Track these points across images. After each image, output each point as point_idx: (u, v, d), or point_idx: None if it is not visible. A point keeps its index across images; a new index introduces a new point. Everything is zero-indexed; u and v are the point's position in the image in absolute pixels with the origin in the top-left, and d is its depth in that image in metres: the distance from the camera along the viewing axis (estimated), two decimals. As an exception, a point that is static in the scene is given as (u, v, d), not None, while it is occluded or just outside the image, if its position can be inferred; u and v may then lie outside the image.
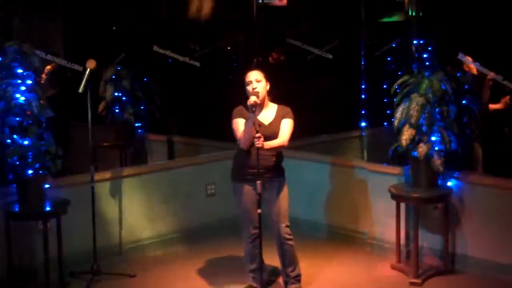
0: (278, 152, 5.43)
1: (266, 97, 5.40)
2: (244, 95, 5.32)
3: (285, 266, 5.54)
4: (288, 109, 5.44)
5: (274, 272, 5.87)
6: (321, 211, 6.97)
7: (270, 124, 5.37)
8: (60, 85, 6.90)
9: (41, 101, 5.85)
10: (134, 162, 7.51)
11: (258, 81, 5.33)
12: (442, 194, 5.93)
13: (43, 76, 6.94)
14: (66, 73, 6.37)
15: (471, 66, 6.25)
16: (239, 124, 5.33)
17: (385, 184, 6.24)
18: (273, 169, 5.38)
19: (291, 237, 5.47)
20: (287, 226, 5.45)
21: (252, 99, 5.19)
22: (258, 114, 5.36)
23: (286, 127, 5.36)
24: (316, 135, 7.75)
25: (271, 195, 5.42)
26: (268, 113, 5.42)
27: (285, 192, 5.45)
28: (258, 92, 5.28)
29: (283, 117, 5.38)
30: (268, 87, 5.39)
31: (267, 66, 7.68)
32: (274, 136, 5.31)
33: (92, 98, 5.86)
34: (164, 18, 7.62)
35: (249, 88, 5.31)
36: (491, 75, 6.19)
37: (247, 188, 5.37)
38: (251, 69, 5.45)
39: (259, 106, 5.35)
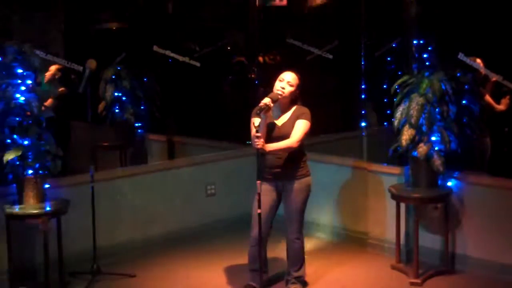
0: (296, 153, 5.36)
1: (288, 102, 5.37)
2: (243, 95, 5.31)
3: (290, 265, 5.56)
4: (305, 110, 5.38)
5: (279, 276, 5.85)
6: (321, 211, 6.96)
7: (283, 125, 5.35)
8: (63, 85, 6.91)
9: (50, 100, 5.86)
10: (134, 162, 7.51)
11: (290, 84, 5.32)
12: (442, 194, 5.93)
13: (46, 74, 6.93)
14: (70, 75, 6.38)
15: (480, 69, 6.24)
16: (254, 123, 5.30)
17: (385, 184, 6.24)
18: (289, 170, 5.35)
19: (299, 236, 5.47)
20: (297, 225, 5.44)
21: (265, 100, 5.16)
22: (278, 116, 5.38)
23: (298, 128, 5.30)
24: (316, 135, 7.75)
25: (285, 195, 5.43)
26: (285, 115, 5.39)
27: (301, 193, 5.39)
28: (282, 92, 5.27)
29: (298, 117, 5.33)
30: (296, 95, 5.37)
31: (256, 66, 7.71)
32: (285, 137, 5.28)
33: (92, 98, 5.87)
34: (165, 18, 7.62)
35: (278, 84, 5.32)
36: (495, 78, 6.18)
37: (264, 187, 5.34)
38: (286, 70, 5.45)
39: (279, 108, 5.35)
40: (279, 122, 5.37)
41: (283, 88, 5.30)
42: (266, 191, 5.37)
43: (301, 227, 5.47)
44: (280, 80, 5.34)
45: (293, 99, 5.39)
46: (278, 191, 5.45)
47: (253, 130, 5.19)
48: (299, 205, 5.42)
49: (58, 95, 6.86)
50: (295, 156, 5.36)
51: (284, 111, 5.40)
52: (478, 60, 6.22)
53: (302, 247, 5.52)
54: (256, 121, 5.16)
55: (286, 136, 5.30)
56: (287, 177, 5.37)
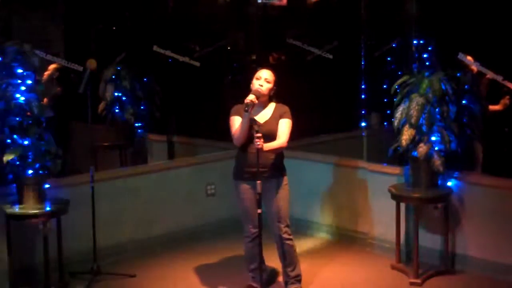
0: (281, 152, 5.41)
1: (266, 99, 5.41)
2: (243, 95, 5.31)
3: (285, 266, 5.55)
4: (286, 109, 5.42)
5: (275, 272, 5.88)
6: (321, 211, 6.97)
7: (265, 122, 5.35)
8: (62, 85, 6.90)
9: (45, 99, 5.85)
10: (134, 162, 7.51)
11: (267, 81, 5.36)
12: (442, 194, 5.93)
13: (45, 74, 6.93)
14: (69, 74, 6.38)
15: (472, 66, 6.24)
16: (235, 121, 5.34)
17: (385, 184, 6.24)
18: (271, 169, 5.36)
19: (290, 236, 5.47)
20: (286, 225, 5.44)
21: (250, 97, 5.20)
22: (258, 113, 5.38)
23: (285, 128, 5.35)
24: (316, 135, 7.76)
25: (270, 195, 5.41)
26: (265, 112, 5.42)
27: (284, 191, 5.43)
28: (261, 90, 5.30)
29: (281, 117, 5.37)
30: (273, 91, 5.41)
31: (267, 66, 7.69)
32: (268, 135, 5.27)
33: (92, 98, 5.87)
34: (165, 18, 7.62)
35: (256, 82, 5.35)
36: (490, 74, 6.19)
37: (246, 187, 5.38)
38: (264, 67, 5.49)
39: (258, 105, 5.36)
40: (261, 119, 5.37)
41: (261, 86, 5.34)
42: (247, 190, 5.37)
43: (289, 225, 5.48)
44: (257, 78, 5.38)
45: (270, 96, 5.43)
46: (258, 191, 5.41)
47: (234, 129, 5.26)
48: (285, 203, 5.43)
49: (53, 95, 6.85)
50: (274, 155, 5.38)
51: (263, 108, 5.42)
52: (469, 58, 6.22)
53: (294, 245, 5.52)
54: (251, 119, 5.17)
55: (268, 133, 5.28)
56: (267, 175, 5.36)
